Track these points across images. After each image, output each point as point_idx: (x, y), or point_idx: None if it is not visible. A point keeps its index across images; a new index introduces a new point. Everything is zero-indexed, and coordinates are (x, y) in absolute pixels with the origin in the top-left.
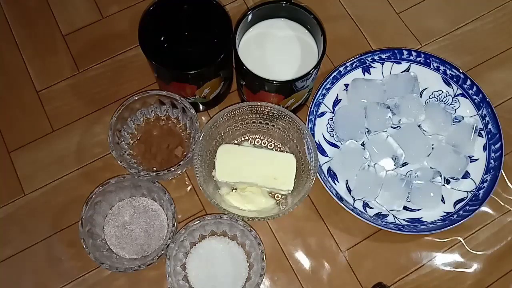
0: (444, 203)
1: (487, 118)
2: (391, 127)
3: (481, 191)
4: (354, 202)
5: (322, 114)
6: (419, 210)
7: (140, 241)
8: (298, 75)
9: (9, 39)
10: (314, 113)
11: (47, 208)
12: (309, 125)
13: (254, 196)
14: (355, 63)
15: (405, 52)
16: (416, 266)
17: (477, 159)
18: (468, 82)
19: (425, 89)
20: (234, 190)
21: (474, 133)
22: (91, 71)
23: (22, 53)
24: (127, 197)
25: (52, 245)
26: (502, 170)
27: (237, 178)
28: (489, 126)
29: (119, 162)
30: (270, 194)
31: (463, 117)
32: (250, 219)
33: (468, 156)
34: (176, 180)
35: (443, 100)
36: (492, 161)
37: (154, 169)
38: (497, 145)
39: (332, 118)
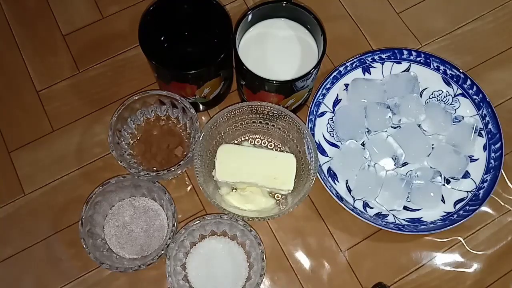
0: (444, 203)
1: (487, 118)
2: (391, 127)
3: (481, 191)
4: (354, 202)
5: (322, 114)
6: (419, 210)
7: (140, 241)
8: (298, 75)
9: (9, 39)
10: (314, 113)
11: (47, 208)
12: (309, 125)
13: (254, 196)
14: (355, 63)
15: (405, 52)
16: (416, 266)
17: (477, 159)
18: (468, 82)
19: (425, 89)
20: (234, 190)
21: (474, 133)
22: (91, 71)
23: (22, 53)
24: (127, 197)
25: (52, 245)
26: (502, 170)
27: (237, 178)
28: (489, 126)
29: (119, 162)
30: (270, 194)
31: (463, 117)
32: (250, 219)
33: (468, 156)
34: (176, 180)
35: (443, 100)
36: (492, 161)
37: (154, 169)
38: (497, 145)
39: (332, 118)
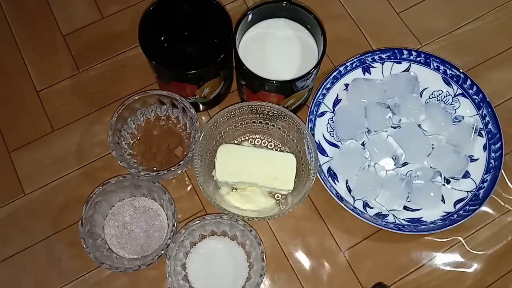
0: (444, 203)
1: (487, 118)
2: (391, 127)
3: (481, 191)
4: (354, 202)
5: (322, 114)
6: (419, 210)
7: (140, 241)
8: (298, 75)
9: (9, 39)
10: (314, 113)
11: (47, 208)
12: (309, 125)
13: (254, 196)
14: (355, 63)
15: (405, 52)
16: (416, 266)
17: (477, 159)
18: (468, 82)
19: (425, 89)
20: (234, 190)
21: (474, 133)
22: (91, 71)
23: (22, 53)
24: (127, 197)
25: (52, 245)
26: (502, 170)
27: (237, 178)
28: (489, 126)
29: (119, 162)
30: (270, 194)
31: (463, 116)
32: (250, 219)
33: (468, 156)
34: (176, 180)
35: (443, 100)
36: (492, 161)
37: (154, 169)
38: (497, 145)
39: (332, 118)
